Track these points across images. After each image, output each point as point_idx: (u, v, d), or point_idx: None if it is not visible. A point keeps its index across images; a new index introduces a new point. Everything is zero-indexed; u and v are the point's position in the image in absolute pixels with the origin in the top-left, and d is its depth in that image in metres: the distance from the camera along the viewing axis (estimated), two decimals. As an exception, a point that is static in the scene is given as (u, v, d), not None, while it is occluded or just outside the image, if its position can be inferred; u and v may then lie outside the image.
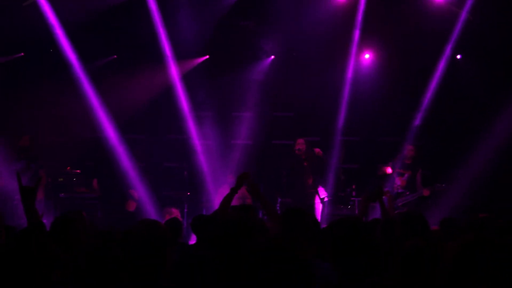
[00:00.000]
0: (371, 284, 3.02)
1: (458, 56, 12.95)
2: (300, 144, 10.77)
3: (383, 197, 6.80)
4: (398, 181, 11.01)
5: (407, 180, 10.92)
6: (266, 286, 2.60)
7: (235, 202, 10.16)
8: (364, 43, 12.89)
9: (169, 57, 12.82)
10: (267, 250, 2.66)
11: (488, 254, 2.77)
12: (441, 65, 12.67)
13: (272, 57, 13.54)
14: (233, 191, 5.88)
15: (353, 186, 12.10)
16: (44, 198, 10.69)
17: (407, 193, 10.90)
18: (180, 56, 13.06)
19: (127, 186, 11.52)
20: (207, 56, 13.54)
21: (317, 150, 10.81)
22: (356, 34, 12.63)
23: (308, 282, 2.64)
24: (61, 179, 11.58)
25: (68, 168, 11.92)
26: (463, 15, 11.99)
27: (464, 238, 2.86)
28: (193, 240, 8.23)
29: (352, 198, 11.98)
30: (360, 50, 13.10)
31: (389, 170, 11.24)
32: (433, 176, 11.38)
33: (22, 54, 12.70)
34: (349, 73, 12.98)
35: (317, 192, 10.62)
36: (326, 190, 11.23)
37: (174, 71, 12.98)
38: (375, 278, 3.06)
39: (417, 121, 12.63)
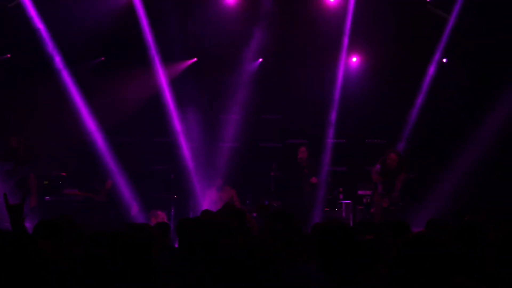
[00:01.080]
0: (356, 285, 3.02)
1: (444, 60, 13.00)
2: (302, 152, 11.38)
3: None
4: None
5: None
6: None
7: (221, 204, 10.22)
8: (352, 46, 12.89)
9: (156, 60, 12.78)
10: (241, 253, 2.64)
11: (426, 252, 2.79)
12: (429, 69, 12.72)
13: (260, 59, 13.53)
14: None
15: (341, 189, 12.14)
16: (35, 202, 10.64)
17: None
18: (168, 59, 13.02)
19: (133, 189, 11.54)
20: (195, 59, 13.52)
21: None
22: (346, 37, 12.64)
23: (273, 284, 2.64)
24: (46, 182, 11.49)
25: (54, 171, 11.83)
26: (451, 19, 12.08)
27: (405, 237, 2.89)
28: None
29: (339, 201, 12.02)
30: (349, 53, 13.12)
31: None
32: (419, 178, 11.42)
33: (9, 55, 12.60)
34: (338, 76, 12.98)
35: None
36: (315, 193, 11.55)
37: (162, 74, 12.94)
38: (361, 279, 3.06)
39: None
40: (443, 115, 12.81)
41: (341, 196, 12.07)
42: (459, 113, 12.61)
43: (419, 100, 12.78)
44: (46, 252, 3.32)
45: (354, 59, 13.49)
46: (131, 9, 12.19)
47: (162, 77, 12.94)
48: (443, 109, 12.75)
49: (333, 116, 12.97)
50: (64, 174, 11.85)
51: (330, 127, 12.97)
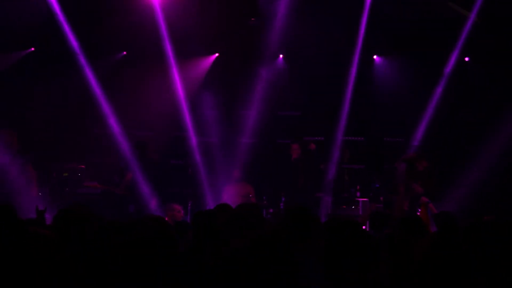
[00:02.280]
0: (358, 282, 3.04)
1: (466, 59, 12.91)
2: (295, 149, 11.43)
3: None
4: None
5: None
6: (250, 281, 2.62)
7: (239, 200, 10.29)
8: (370, 44, 12.82)
9: (175, 55, 12.84)
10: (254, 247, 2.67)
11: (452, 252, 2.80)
12: (449, 67, 12.62)
13: (281, 56, 13.53)
14: None
15: (358, 187, 12.12)
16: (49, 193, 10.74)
17: None
18: (189, 55, 13.08)
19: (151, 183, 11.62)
20: (217, 54, 13.56)
21: (312, 146, 11.40)
22: (361, 34, 12.57)
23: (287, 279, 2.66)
24: (66, 174, 11.62)
25: (74, 163, 11.94)
26: (471, 17, 11.97)
27: (430, 236, 2.90)
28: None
29: (356, 199, 11.99)
30: (367, 50, 13.05)
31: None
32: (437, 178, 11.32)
33: (33, 49, 12.73)
34: (356, 73, 12.93)
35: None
36: (327, 191, 11.54)
37: (177, 69, 12.99)
38: (364, 277, 3.07)
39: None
40: (462, 114, 12.71)
41: (358, 194, 12.06)
42: (479, 112, 12.50)
43: (435, 99, 12.67)
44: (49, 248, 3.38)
45: (375, 56, 13.46)
46: (150, 6, 12.26)
47: (176, 73, 12.97)
48: (462, 108, 12.66)
49: (349, 113, 12.94)
50: (83, 166, 11.96)
51: (348, 124, 12.96)
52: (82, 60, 12.34)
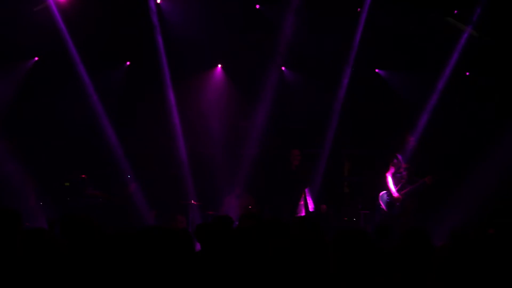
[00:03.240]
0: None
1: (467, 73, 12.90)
2: (297, 155, 11.43)
3: None
4: (404, 172, 11.09)
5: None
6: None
7: (240, 211, 10.29)
8: (368, 56, 12.81)
9: (177, 68, 12.85)
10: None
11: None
12: (444, 78, 12.58)
13: (283, 68, 13.53)
14: None
15: (359, 199, 12.12)
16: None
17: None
18: (193, 68, 13.07)
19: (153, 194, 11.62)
20: (220, 65, 13.57)
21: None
22: (355, 46, 12.57)
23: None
24: (67, 184, 11.62)
25: (75, 173, 11.94)
26: (468, 31, 12.02)
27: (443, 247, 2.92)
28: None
29: (358, 211, 11.97)
30: (367, 64, 13.04)
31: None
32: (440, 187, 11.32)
33: (37, 58, 12.73)
34: (355, 87, 12.90)
35: (305, 202, 10.98)
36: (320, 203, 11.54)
37: (184, 83, 13.00)
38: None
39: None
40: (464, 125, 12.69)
41: (359, 206, 12.03)
42: (480, 123, 12.48)
43: (437, 110, 12.65)
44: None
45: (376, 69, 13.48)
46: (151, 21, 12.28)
47: (173, 85, 12.95)
48: (463, 120, 12.64)
49: (349, 126, 12.94)
50: (84, 176, 11.94)
51: (348, 136, 12.96)
52: (83, 71, 12.33)
